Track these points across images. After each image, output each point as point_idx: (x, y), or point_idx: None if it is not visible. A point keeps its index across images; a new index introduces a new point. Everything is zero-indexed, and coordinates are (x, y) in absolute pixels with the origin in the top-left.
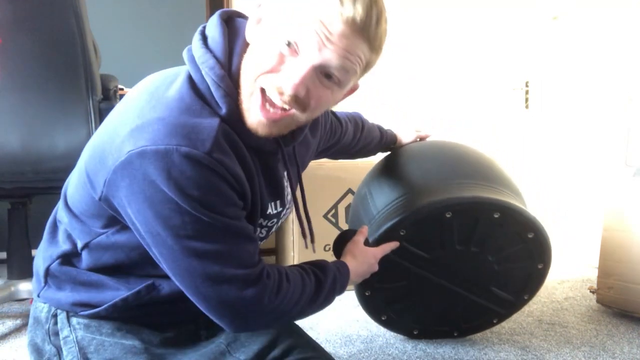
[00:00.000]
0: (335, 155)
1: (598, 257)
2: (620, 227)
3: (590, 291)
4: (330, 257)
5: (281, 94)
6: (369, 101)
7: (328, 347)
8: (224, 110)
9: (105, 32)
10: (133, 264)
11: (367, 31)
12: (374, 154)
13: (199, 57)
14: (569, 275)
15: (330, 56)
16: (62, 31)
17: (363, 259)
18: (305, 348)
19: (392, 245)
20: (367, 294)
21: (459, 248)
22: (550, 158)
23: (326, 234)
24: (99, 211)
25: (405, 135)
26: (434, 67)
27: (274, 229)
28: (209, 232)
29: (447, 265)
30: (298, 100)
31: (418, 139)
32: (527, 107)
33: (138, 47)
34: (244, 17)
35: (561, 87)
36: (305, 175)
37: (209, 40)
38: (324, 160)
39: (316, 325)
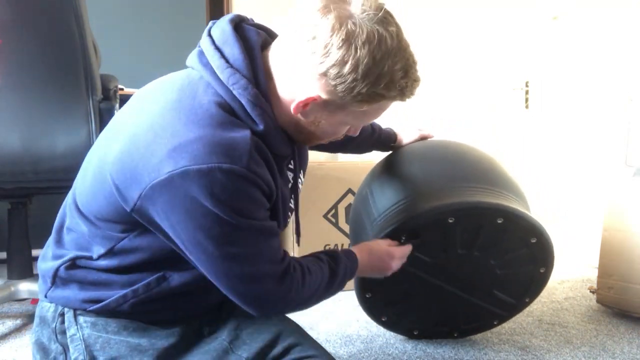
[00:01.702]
0: (323, 147)
1: (598, 257)
2: (620, 227)
3: (590, 291)
4: None
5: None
6: None
7: (328, 347)
8: (261, 127)
9: (105, 32)
10: (154, 261)
11: None
12: (369, 150)
13: (227, 79)
14: (569, 275)
15: None
16: (62, 31)
17: (372, 251)
18: (306, 346)
19: (409, 248)
20: (367, 296)
21: (461, 252)
22: (550, 158)
23: (326, 234)
24: (123, 218)
25: (407, 135)
26: (434, 67)
27: None
28: (246, 236)
29: (449, 269)
30: None
31: (420, 139)
32: (527, 107)
33: (138, 47)
34: (248, 22)
35: (561, 87)
36: (305, 175)
37: (230, 58)
38: (324, 160)
39: (316, 325)
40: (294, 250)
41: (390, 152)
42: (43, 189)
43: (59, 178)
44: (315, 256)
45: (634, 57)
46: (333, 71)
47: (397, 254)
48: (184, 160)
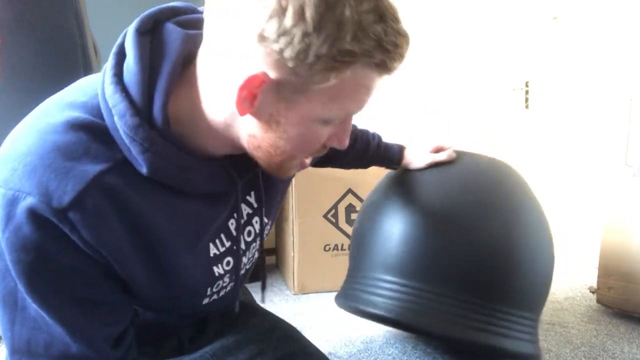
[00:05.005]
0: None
1: (598, 257)
2: (620, 227)
3: (590, 291)
4: (330, 257)
5: (323, 151)
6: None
7: (328, 347)
8: (144, 170)
9: (105, 32)
10: None
11: None
12: (364, 165)
13: (109, 97)
14: (569, 275)
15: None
16: (62, 31)
17: None
18: (299, 356)
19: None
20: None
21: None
22: (550, 158)
23: (326, 234)
24: None
25: (416, 158)
26: (434, 67)
27: (248, 255)
28: (28, 309)
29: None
30: None
31: (432, 164)
32: (527, 107)
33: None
34: (180, 13)
35: (561, 87)
36: (305, 175)
37: (125, 69)
38: None
39: (316, 325)
40: (295, 252)
41: (403, 172)
42: None
43: None
44: None
45: (634, 57)
46: (271, 28)
47: None
48: None
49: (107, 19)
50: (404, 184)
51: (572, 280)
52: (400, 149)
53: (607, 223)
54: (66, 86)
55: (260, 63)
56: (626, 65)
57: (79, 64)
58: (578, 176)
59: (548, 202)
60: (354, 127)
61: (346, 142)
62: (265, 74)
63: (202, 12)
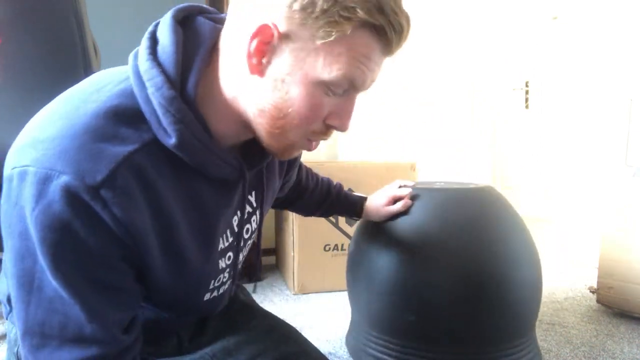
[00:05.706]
0: (278, 202)
1: (598, 257)
2: (620, 227)
3: (590, 291)
4: (330, 257)
5: (326, 133)
6: (367, 103)
7: (328, 347)
8: (173, 140)
9: (105, 32)
10: None
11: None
12: (334, 210)
13: (144, 72)
14: (569, 275)
15: (370, 86)
16: (62, 31)
17: None
18: (299, 356)
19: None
20: None
21: None
22: (550, 158)
23: (326, 234)
24: None
25: (373, 211)
26: (434, 67)
27: (240, 257)
28: (50, 287)
29: None
30: None
31: (387, 216)
32: (527, 107)
33: (138, 47)
34: (207, 13)
35: (561, 87)
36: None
37: (159, 49)
38: (324, 159)
39: (316, 325)
40: (295, 252)
41: (369, 224)
42: None
43: None
44: None
45: (634, 57)
46: None
47: None
48: (27, 159)
49: (107, 19)
50: (369, 238)
51: (572, 280)
52: (361, 201)
53: (607, 223)
54: (66, 86)
55: (271, 17)
56: (626, 65)
57: (79, 64)
58: (578, 176)
59: (548, 202)
60: (317, 174)
61: (347, 124)
62: (275, 26)
63: (225, 15)
